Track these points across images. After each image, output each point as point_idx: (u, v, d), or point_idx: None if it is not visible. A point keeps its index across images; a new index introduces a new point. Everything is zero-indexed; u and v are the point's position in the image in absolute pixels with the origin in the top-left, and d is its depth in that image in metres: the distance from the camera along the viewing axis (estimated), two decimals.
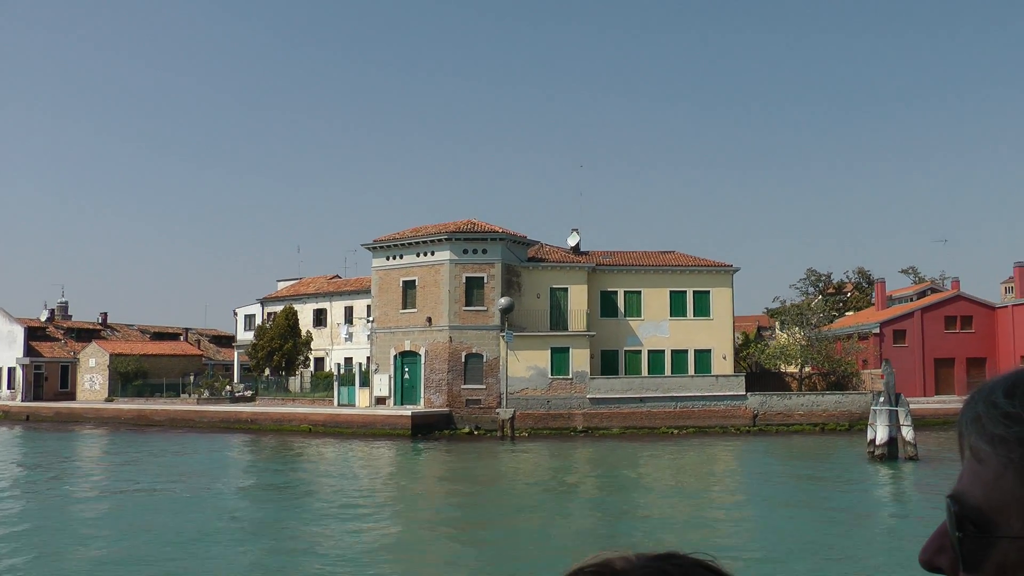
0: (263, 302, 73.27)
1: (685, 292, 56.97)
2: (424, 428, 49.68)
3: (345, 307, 67.97)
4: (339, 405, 56.28)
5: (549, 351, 52.41)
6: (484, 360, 52.41)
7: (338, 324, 67.94)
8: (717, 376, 53.52)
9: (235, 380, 71.37)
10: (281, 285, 76.24)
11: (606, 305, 56.33)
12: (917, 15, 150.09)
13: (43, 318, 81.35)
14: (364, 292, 63.22)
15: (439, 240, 53.53)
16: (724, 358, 56.45)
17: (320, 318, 69.28)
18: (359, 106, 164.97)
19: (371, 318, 57.28)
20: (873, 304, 74.93)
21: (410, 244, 54.65)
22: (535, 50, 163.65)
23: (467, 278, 53.16)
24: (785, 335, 63.96)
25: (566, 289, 54.93)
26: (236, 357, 74.34)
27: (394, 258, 55.43)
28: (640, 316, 56.50)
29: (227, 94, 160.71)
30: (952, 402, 54.65)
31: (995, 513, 0.91)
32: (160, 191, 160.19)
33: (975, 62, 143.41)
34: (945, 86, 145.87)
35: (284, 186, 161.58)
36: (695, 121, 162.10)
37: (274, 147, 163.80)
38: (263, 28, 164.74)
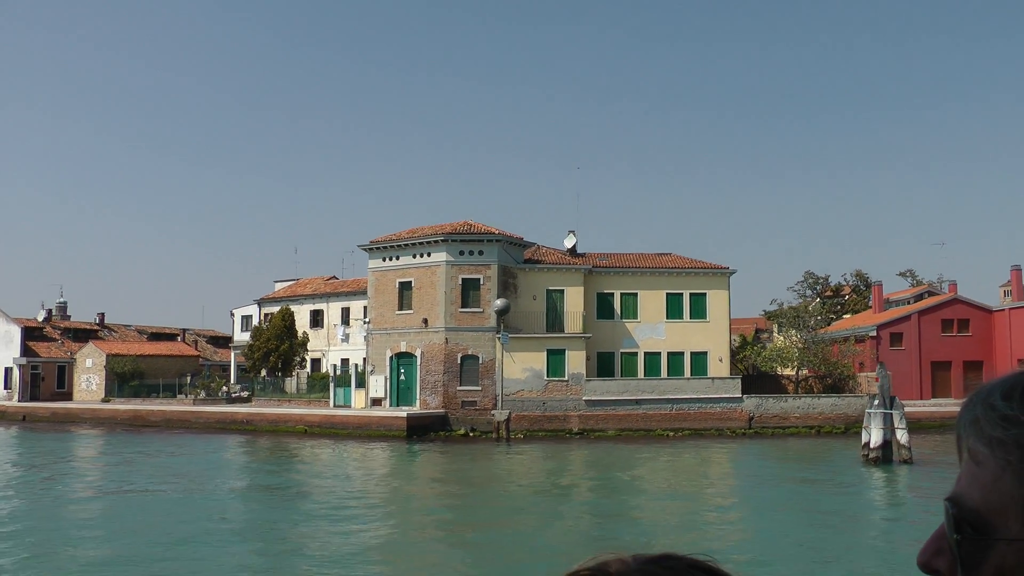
0: (260, 303, 73.22)
1: (681, 294, 56.92)
2: (419, 430, 49.63)
3: (342, 308, 67.92)
4: (335, 406, 56.23)
5: (545, 353, 52.36)
6: (480, 362, 52.36)
7: (335, 325, 67.89)
8: (713, 378, 53.46)
9: (232, 381, 71.33)
10: (278, 286, 76.20)
11: (602, 307, 56.28)
12: (916, 19, 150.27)
13: (40, 318, 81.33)
14: (361, 293, 63.15)
15: (435, 241, 53.49)
16: (720, 360, 56.39)
17: (317, 319, 69.22)
18: (357, 107, 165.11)
19: (367, 319, 57.23)
20: (870, 307, 74.93)
21: (406, 245, 54.60)
22: (532, 52, 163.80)
23: (463, 279, 53.12)
24: (782, 337, 63.94)
25: (562, 291, 54.88)
26: (233, 358, 74.29)
27: (390, 259, 55.38)
28: (636, 318, 56.45)
29: (226, 94, 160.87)
30: (949, 405, 54.61)
31: (993, 515, 0.90)
32: (159, 191, 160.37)
33: (974, 66, 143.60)
34: (944, 90, 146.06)
35: (282, 187, 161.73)
36: (693, 123, 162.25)
37: (272, 148, 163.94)
38: (263, 28, 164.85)
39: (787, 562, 19.35)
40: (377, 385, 54.64)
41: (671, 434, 50.39)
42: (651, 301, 56.60)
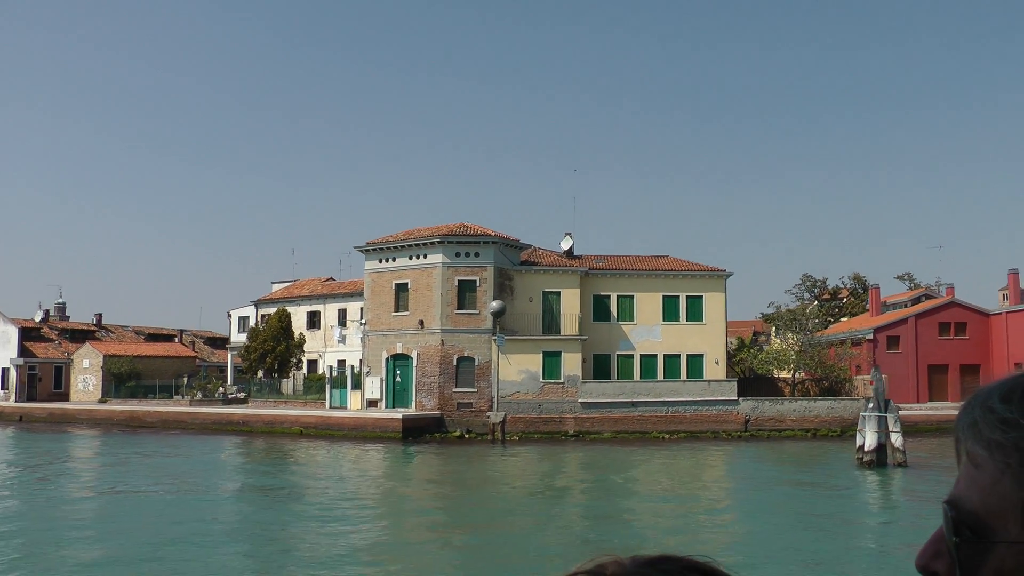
0: (257, 304, 73.21)
1: (678, 297, 56.90)
2: (415, 431, 49.61)
3: (339, 309, 67.91)
4: (331, 408, 56.22)
5: (541, 355, 52.34)
6: (476, 363, 52.34)
7: (331, 326, 67.87)
8: (709, 381, 53.44)
9: (228, 382, 71.34)
10: (275, 287, 76.20)
11: (599, 309, 56.27)
12: (915, 22, 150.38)
13: (38, 318, 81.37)
14: (358, 295, 63.15)
15: (432, 243, 53.50)
16: (717, 363, 56.38)
17: (314, 320, 69.22)
18: (355, 108, 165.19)
19: (363, 321, 57.23)
20: (868, 310, 74.96)
21: (403, 247, 54.61)
22: (530, 53, 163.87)
23: (459, 281, 53.11)
24: (779, 340, 63.94)
25: (559, 293, 54.86)
26: (230, 359, 74.29)
27: (387, 261, 55.38)
28: (633, 320, 56.43)
29: (226, 95, 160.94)
30: (945, 408, 54.59)
31: (992, 518, 0.90)
32: (158, 191, 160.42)
33: (973, 69, 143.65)
34: (943, 92, 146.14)
35: (280, 188, 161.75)
36: (691, 125, 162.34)
37: (270, 148, 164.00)
38: (262, 28, 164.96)
39: (778, 565, 19.33)
40: (373, 387, 54.62)
41: (667, 436, 50.36)
42: (647, 303, 56.59)
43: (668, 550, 0.95)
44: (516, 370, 52.00)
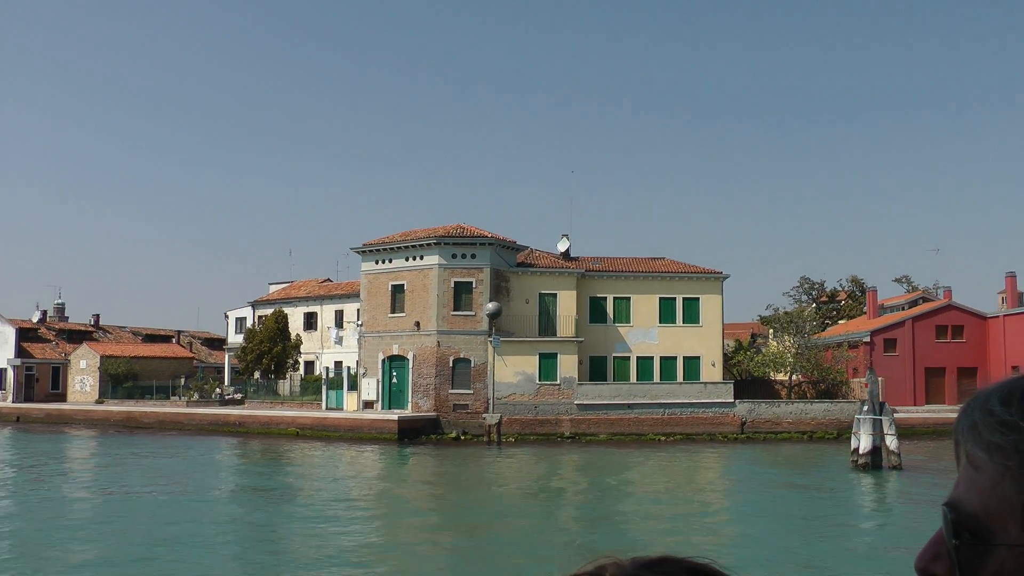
0: (254, 305, 73.21)
1: (674, 299, 56.89)
2: (411, 433, 49.59)
3: (335, 311, 67.92)
4: (327, 409, 56.22)
5: (537, 356, 52.34)
6: (472, 365, 52.33)
7: (328, 328, 67.88)
8: (705, 383, 53.44)
9: (225, 383, 71.33)
10: (273, 288, 76.22)
11: (595, 311, 56.25)
12: (913, 24, 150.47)
13: (35, 319, 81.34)
14: (355, 296, 63.14)
15: (428, 244, 53.50)
16: (713, 365, 56.36)
17: (311, 321, 69.23)
18: (354, 109, 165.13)
19: (360, 322, 57.23)
20: (865, 313, 74.97)
21: (399, 248, 54.61)
22: (527, 55, 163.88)
23: (455, 283, 53.11)
24: (776, 343, 63.94)
25: (555, 295, 54.85)
26: (227, 360, 74.28)
27: (383, 262, 55.39)
28: (629, 322, 56.42)
29: (226, 95, 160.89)
30: (942, 411, 54.56)
31: (992, 521, 0.90)
32: (157, 192, 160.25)
33: (971, 70, 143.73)
34: (941, 94, 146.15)
35: (277, 188, 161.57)
36: (688, 127, 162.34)
37: (268, 149, 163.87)
38: (262, 28, 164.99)
39: (771, 567, 19.33)
40: (369, 388, 54.63)
41: (663, 439, 50.36)
42: (644, 305, 56.58)
43: (665, 552, 0.96)
44: (512, 372, 51.99)
